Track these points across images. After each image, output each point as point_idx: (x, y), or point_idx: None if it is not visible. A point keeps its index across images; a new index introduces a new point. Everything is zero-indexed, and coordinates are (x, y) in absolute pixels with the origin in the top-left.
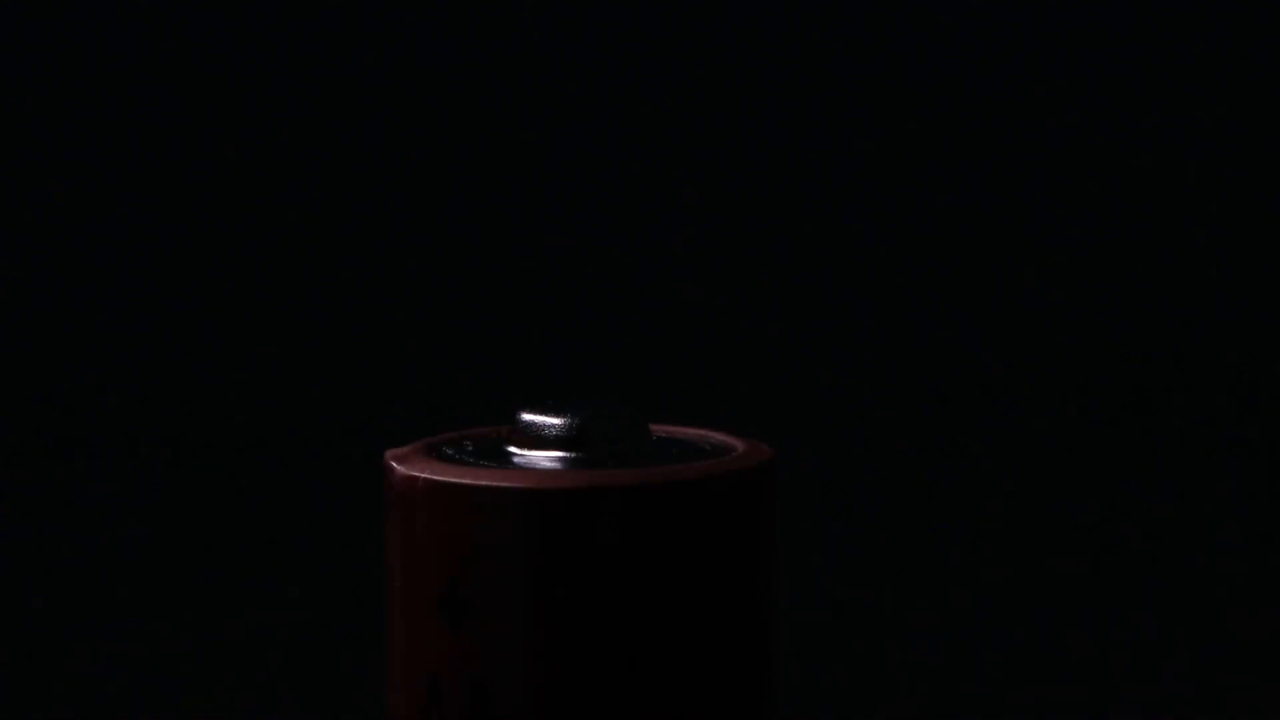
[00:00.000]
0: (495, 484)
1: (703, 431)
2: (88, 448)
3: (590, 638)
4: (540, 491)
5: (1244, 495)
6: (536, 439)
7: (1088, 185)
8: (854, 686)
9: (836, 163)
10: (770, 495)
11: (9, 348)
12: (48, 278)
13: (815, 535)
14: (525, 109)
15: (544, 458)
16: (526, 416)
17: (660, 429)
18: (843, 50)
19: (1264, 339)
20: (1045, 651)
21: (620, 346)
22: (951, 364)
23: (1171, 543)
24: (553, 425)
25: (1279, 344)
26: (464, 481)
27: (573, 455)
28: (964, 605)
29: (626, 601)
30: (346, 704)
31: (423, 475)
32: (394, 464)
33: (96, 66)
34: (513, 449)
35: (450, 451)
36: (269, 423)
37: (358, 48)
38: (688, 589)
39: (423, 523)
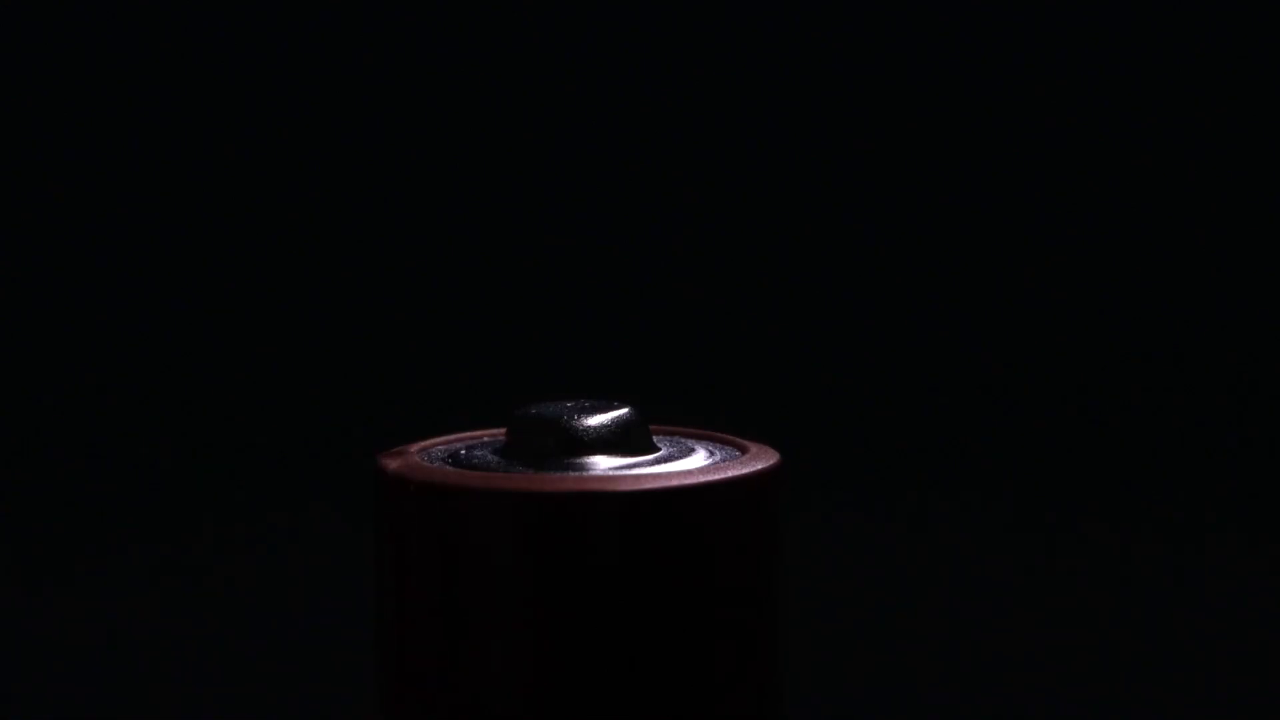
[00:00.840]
0: (489, 487)
1: (707, 433)
2: (88, 448)
3: (588, 642)
4: (535, 495)
5: (1244, 495)
6: (534, 441)
7: (1088, 185)
8: (857, 688)
9: (836, 163)
10: (775, 501)
11: (9, 348)
12: (48, 278)
13: (813, 535)
14: (525, 109)
15: (542, 460)
16: (524, 418)
17: (662, 429)
18: (843, 50)
19: (1264, 339)
20: (1046, 651)
21: (620, 346)
22: (951, 364)
23: (1172, 543)
24: (551, 427)
25: (1279, 344)
26: (457, 484)
27: (571, 458)
28: (965, 605)
29: (625, 606)
30: (342, 706)
31: (416, 478)
32: (387, 466)
33: (96, 66)
34: (510, 451)
35: (444, 453)
36: (266, 423)
37: (358, 48)
38: (689, 594)
39: (416, 526)
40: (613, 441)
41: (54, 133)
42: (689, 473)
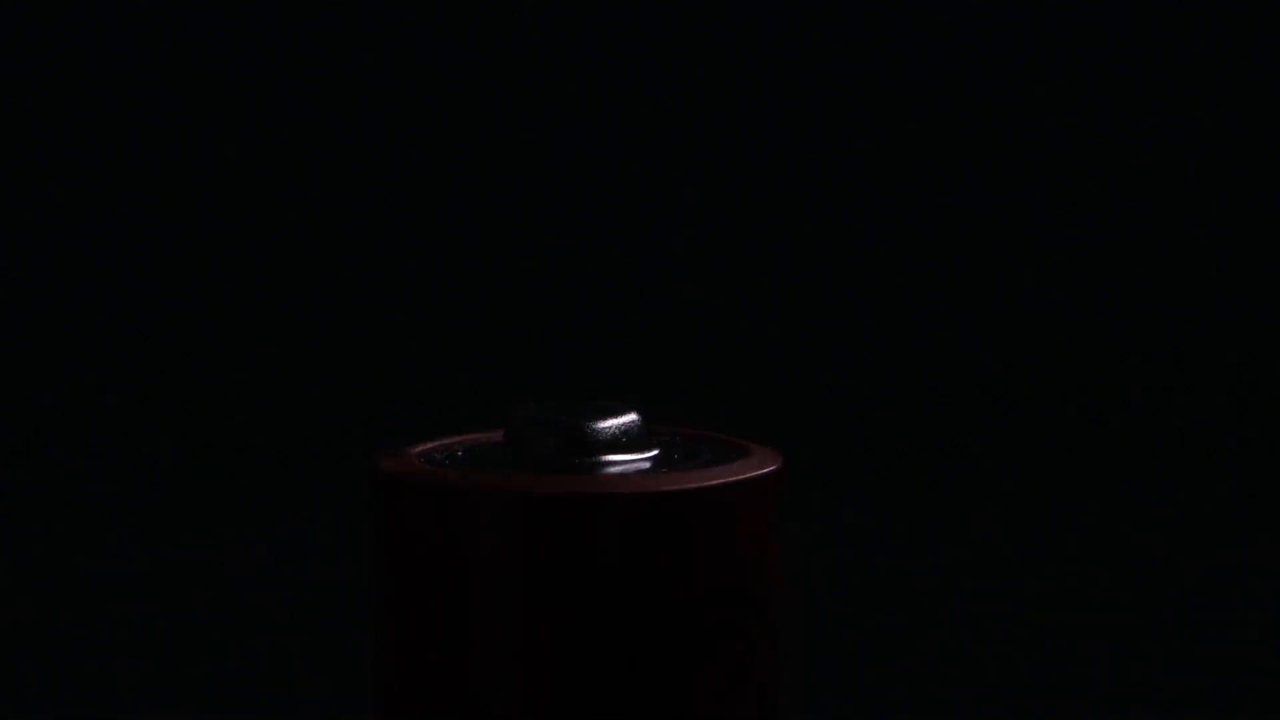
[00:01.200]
0: (489, 488)
1: (709, 434)
2: (88, 448)
3: (587, 643)
4: (536, 496)
5: (1244, 495)
6: (534, 442)
7: (1088, 185)
8: (858, 689)
9: (836, 163)
10: (776, 502)
11: (9, 348)
12: (48, 278)
13: (812, 534)
14: (525, 109)
15: (542, 461)
16: (524, 418)
17: (663, 430)
18: (843, 50)
19: (1264, 339)
20: (1047, 651)
21: (620, 346)
22: (951, 364)
23: (1171, 543)
24: (551, 428)
25: (1279, 344)
26: (457, 484)
27: (572, 459)
28: (965, 606)
29: (626, 607)
30: (342, 706)
31: (413, 478)
32: (385, 467)
33: (96, 66)
34: (510, 452)
35: (443, 455)
36: (266, 423)
37: (358, 48)
38: (689, 595)
39: (415, 526)
40: (613, 443)
41: (54, 133)
42: (690, 474)
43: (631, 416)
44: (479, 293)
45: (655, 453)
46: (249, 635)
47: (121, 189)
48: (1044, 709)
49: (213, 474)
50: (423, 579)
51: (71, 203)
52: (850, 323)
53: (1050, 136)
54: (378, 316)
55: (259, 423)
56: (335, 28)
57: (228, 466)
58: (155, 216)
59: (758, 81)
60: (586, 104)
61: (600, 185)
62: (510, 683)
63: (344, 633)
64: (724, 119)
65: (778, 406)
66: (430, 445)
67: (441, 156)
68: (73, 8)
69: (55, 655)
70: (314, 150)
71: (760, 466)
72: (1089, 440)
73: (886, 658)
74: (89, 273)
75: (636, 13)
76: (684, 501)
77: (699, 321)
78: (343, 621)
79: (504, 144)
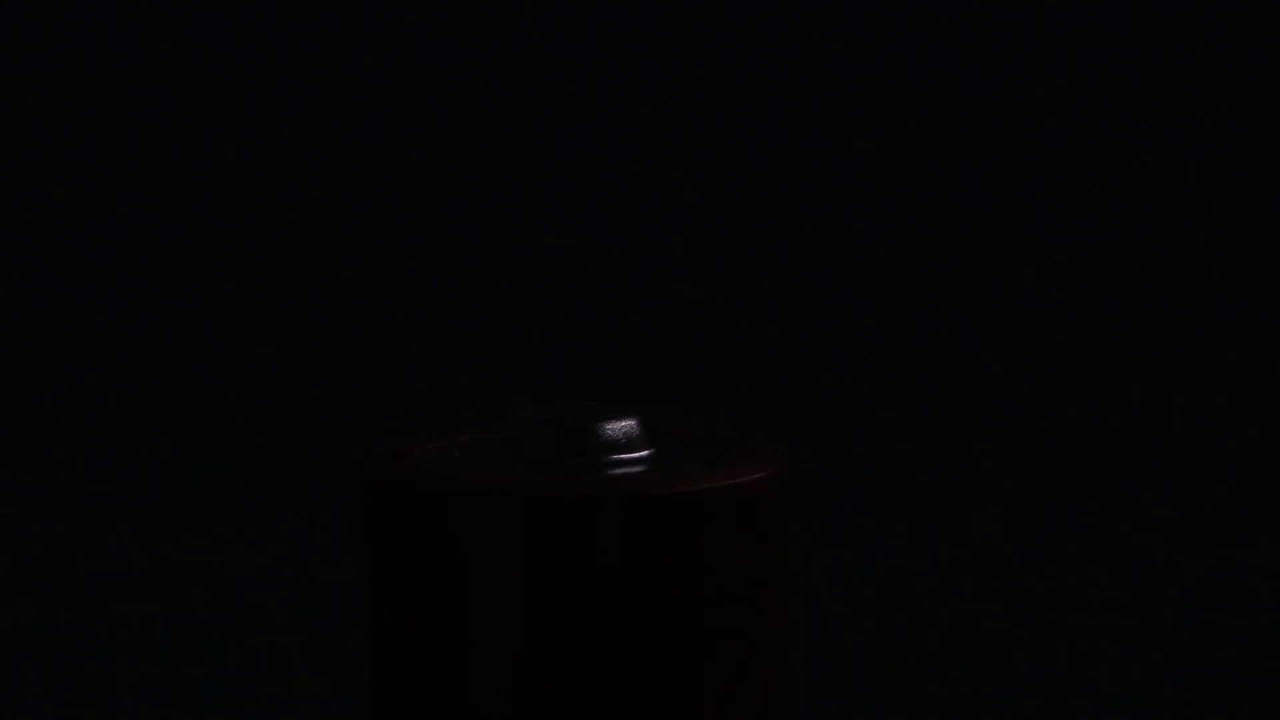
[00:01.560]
0: (490, 488)
1: (709, 435)
2: (88, 448)
3: (587, 645)
4: (536, 497)
5: (1244, 495)
6: (534, 442)
7: (1088, 185)
8: (858, 691)
9: (836, 163)
10: (778, 504)
11: (9, 348)
12: (48, 278)
13: (812, 535)
14: (525, 109)
15: (542, 462)
16: (524, 419)
17: (663, 431)
18: (843, 50)
19: (1264, 339)
20: (1046, 651)
21: (620, 346)
22: (951, 364)
23: (1171, 543)
24: (552, 428)
25: (1279, 344)
26: (458, 484)
27: (572, 460)
28: (965, 606)
29: (626, 610)
30: (340, 707)
31: (413, 478)
32: (383, 466)
33: (96, 66)
34: (510, 452)
35: (441, 454)
36: (266, 423)
37: (358, 48)
38: (690, 598)
39: (415, 527)
40: (613, 443)
41: (54, 133)
42: (690, 475)
43: (632, 417)
44: (479, 293)
45: (655, 453)
46: (248, 635)
47: (121, 189)
48: (1044, 709)
49: (213, 474)
50: (421, 580)
51: (71, 203)
52: (850, 323)
53: (1050, 136)
54: (376, 316)
55: (258, 423)
56: (335, 28)
57: (227, 466)
58: (155, 216)
59: (758, 81)
60: (586, 104)
61: (600, 185)
62: (509, 684)
63: (342, 633)
64: (724, 119)
65: (778, 406)
66: (429, 445)
67: (441, 156)
68: (73, 8)
69: (55, 655)
70: (314, 150)
71: (761, 467)
72: (1089, 440)
73: (886, 658)
74: (89, 273)
75: (636, 13)
76: (684, 502)
77: (699, 321)
78: (341, 622)
79: (504, 144)
